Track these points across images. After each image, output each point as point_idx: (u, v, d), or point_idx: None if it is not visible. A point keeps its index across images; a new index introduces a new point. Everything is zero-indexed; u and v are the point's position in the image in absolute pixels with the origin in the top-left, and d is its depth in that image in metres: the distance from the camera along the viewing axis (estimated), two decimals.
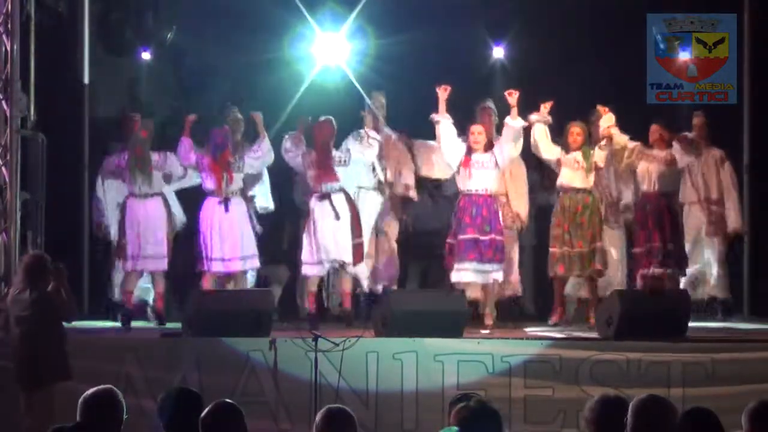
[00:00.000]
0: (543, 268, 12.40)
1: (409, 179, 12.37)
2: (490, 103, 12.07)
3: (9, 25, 11.24)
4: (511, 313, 12.94)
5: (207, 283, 11.80)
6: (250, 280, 12.24)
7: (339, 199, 11.69)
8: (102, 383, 5.89)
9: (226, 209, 11.73)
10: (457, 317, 10.75)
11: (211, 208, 11.79)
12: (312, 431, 5.33)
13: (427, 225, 13.12)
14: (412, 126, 12.49)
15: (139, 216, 11.79)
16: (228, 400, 5.56)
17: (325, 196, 11.68)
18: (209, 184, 11.80)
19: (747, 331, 11.87)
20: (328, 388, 9.74)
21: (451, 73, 13.04)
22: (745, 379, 10.11)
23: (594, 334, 10.96)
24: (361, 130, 12.18)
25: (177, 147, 11.91)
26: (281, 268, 12.83)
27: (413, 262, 13.38)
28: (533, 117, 11.84)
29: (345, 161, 11.81)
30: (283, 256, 12.79)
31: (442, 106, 11.71)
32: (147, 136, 11.88)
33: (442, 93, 11.70)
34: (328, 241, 11.63)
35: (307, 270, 11.77)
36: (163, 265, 11.84)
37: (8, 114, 11.27)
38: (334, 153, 11.76)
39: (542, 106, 11.85)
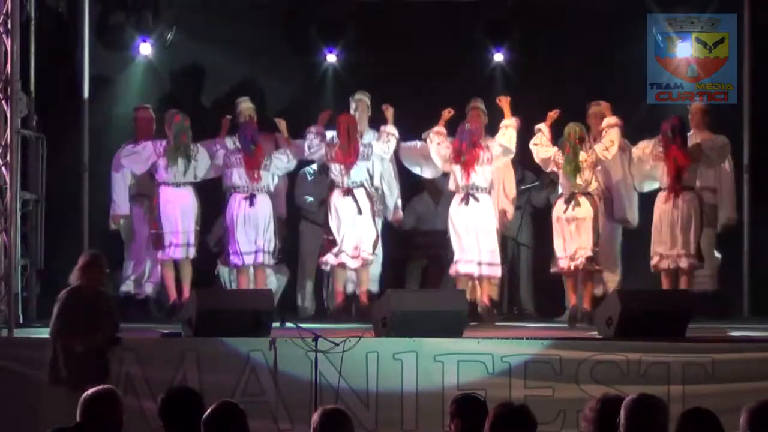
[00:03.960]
0: (541, 268, 12.44)
1: (397, 200, 12.39)
2: (480, 103, 12.02)
3: (9, 25, 11.24)
4: (511, 313, 13.01)
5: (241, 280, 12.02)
6: (272, 280, 12.30)
7: (360, 194, 11.69)
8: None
9: (251, 204, 11.76)
10: (457, 317, 10.75)
11: (236, 204, 11.84)
12: None
13: (428, 225, 13.14)
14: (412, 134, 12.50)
15: (176, 204, 11.89)
16: (231, 400, 5.57)
17: (348, 191, 11.65)
18: (237, 180, 11.82)
19: (747, 330, 11.86)
20: (328, 388, 9.74)
21: (450, 78, 13.08)
22: (745, 378, 10.10)
23: (594, 334, 10.97)
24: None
25: (211, 145, 12.03)
26: (281, 268, 12.84)
27: (413, 262, 13.39)
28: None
29: (368, 155, 11.77)
30: (282, 256, 12.78)
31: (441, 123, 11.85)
32: (189, 125, 11.92)
33: (446, 114, 11.78)
34: (352, 237, 11.60)
35: (333, 261, 11.72)
36: (192, 252, 11.96)
37: (8, 114, 11.27)
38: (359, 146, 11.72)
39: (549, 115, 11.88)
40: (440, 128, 11.90)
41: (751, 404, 5.26)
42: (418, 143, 12.22)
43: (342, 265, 11.87)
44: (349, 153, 11.69)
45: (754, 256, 13.24)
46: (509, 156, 12.01)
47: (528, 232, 13.29)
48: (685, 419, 5.19)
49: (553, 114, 11.88)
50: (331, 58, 13.63)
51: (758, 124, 13.13)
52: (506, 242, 12.81)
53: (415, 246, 13.20)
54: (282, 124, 12.07)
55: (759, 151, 13.12)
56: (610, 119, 11.89)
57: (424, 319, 10.48)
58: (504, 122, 11.84)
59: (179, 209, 11.94)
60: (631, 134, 12.37)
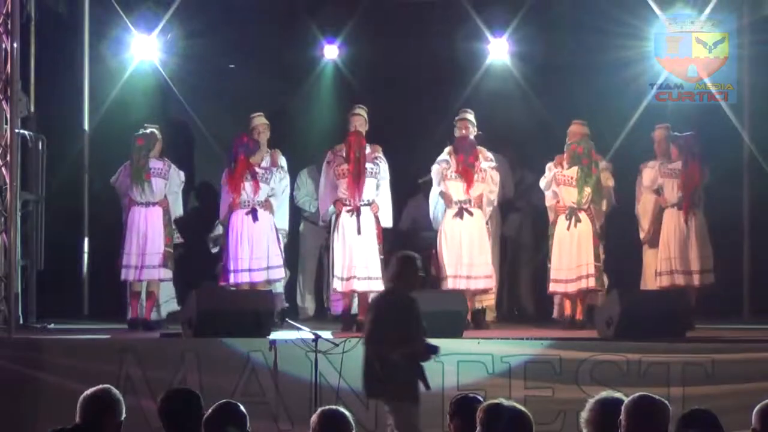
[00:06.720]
0: (541, 268, 12.43)
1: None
2: (469, 114, 11.95)
3: (9, 25, 11.26)
4: (511, 314, 13.01)
5: None
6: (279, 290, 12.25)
7: (367, 212, 11.60)
8: (102, 383, 5.88)
9: (255, 218, 11.71)
10: (457, 317, 10.75)
11: (239, 220, 11.76)
12: None
13: (425, 226, 13.14)
14: (395, 134, 12.49)
15: (141, 224, 11.78)
16: (231, 400, 5.58)
17: (356, 210, 11.57)
18: (235, 194, 11.77)
19: (747, 331, 11.87)
20: (328, 388, 9.74)
21: (445, 69, 13.06)
22: (745, 379, 10.11)
23: (594, 334, 10.97)
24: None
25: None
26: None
27: None
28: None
29: (376, 173, 11.68)
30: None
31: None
32: (143, 144, 11.84)
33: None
34: (359, 257, 11.54)
35: (339, 286, 11.66)
36: (163, 274, 11.86)
37: (8, 114, 11.28)
38: (367, 164, 11.62)
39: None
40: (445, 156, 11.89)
41: (764, 403, 5.28)
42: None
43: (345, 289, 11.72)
44: (359, 183, 11.54)
45: (754, 256, 13.25)
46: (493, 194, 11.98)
47: (528, 232, 13.27)
48: (685, 420, 5.21)
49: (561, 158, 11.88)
50: (332, 53, 13.55)
51: (758, 125, 13.12)
52: (506, 242, 12.81)
53: (414, 246, 13.17)
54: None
55: (758, 151, 13.10)
56: (608, 165, 11.97)
57: (424, 319, 10.46)
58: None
59: (144, 230, 11.79)
60: (631, 134, 12.39)
